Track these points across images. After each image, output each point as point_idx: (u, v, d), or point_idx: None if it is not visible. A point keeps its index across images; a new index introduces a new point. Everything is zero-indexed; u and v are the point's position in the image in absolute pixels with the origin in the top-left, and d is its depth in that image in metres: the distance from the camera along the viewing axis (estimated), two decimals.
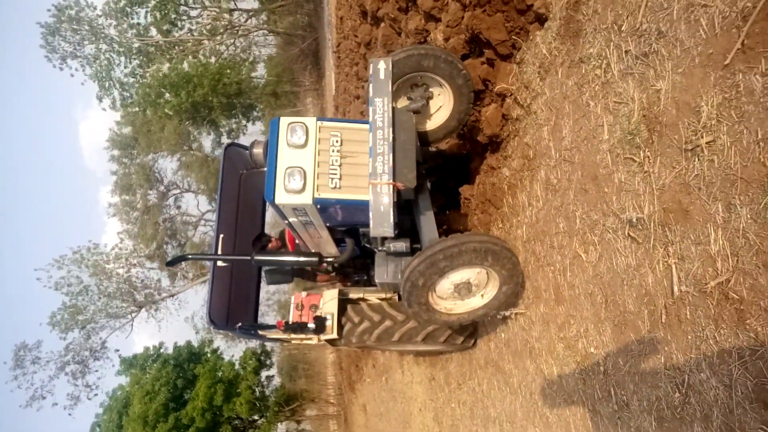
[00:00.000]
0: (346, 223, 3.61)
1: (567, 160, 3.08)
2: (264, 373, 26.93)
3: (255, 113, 31.89)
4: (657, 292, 2.34)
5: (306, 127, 3.22)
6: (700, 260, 2.08)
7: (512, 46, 3.55)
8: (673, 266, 2.21)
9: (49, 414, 25.48)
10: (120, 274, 28.11)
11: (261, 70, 34.79)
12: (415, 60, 3.44)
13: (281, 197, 3.13)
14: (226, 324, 4.79)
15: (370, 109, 3.16)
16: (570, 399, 3.21)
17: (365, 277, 5.18)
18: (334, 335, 4.43)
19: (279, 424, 25.99)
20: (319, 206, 3.19)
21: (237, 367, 25.14)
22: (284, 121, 3.26)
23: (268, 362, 27.82)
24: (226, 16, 30.29)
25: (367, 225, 3.22)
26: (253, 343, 29.16)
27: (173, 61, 28.00)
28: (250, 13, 32.40)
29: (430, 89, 3.72)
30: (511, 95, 3.66)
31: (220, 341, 28.53)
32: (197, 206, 31.55)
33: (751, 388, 1.86)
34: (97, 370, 26.72)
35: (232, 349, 28.66)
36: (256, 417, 25.09)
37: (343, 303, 4.65)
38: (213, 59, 29.99)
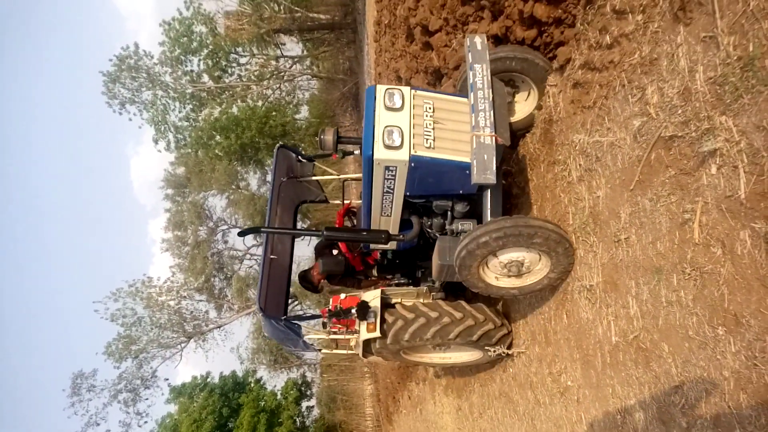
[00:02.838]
0: (427, 191, 3.70)
1: None
2: (304, 404, 27.76)
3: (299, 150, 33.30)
4: (604, 340, 3.22)
5: (402, 93, 3.42)
6: (625, 319, 2.96)
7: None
8: (612, 323, 3.10)
9: None
10: (171, 306, 29.56)
11: (304, 113, 36.41)
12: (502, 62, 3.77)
13: (380, 152, 3.29)
14: (266, 310, 4.86)
15: (470, 73, 3.34)
16: (557, 424, 4.04)
17: (408, 280, 5.36)
18: (377, 333, 4.54)
19: None
20: (413, 164, 3.32)
21: (279, 396, 26.05)
22: (381, 87, 3.46)
23: (308, 393, 28.68)
24: (273, 62, 32.02)
25: (444, 196, 3.64)
26: (294, 372, 30.17)
27: (223, 105, 29.89)
28: (295, 59, 34.25)
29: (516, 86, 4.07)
30: (511, 176, 4.61)
31: (263, 371, 29.62)
32: (243, 241, 32.99)
33: (655, 409, 2.71)
34: (147, 398, 27.70)
35: (275, 380, 29.64)
36: None
37: (384, 306, 4.76)
38: (260, 103, 31.76)
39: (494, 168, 3.12)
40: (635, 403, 2.92)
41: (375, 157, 3.30)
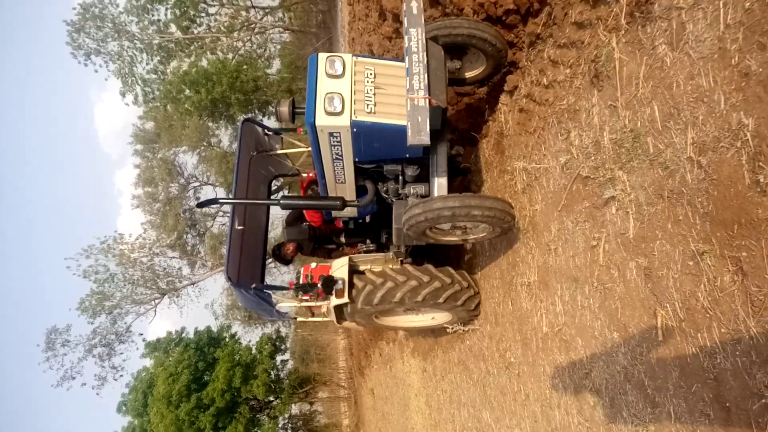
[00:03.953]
0: (375, 156, 3.79)
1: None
2: (279, 357, 28.70)
3: (270, 108, 33.06)
4: (538, 328, 3.86)
5: (343, 60, 3.45)
6: (553, 314, 3.59)
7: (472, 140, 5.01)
8: (543, 315, 3.73)
9: (78, 393, 27.18)
10: (144, 263, 29.77)
11: (276, 66, 35.83)
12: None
13: (321, 119, 3.32)
14: (239, 282, 4.93)
15: (406, 38, 3.38)
16: (503, 392, 4.73)
17: (375, 246, 5.48)
18: (346, 299, 4.67)
19: (293, 405, 27.71)
20: (355, 129, 3.37)
21: (254, 351, 26.87)
22: (322, 55, 3.49)
23: (282, 347, 29.62)
24: (243, 13, 31.26)
25: (393, 160, 3.72)
26: (268, 328, 31.05)
27: (192, 57, 29.30)
28: (267, 10, 33.45)
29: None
30: (470, 173, 5.14)
31: (237, 327, 30.36)
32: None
33: (572, 388, 3.37)
34: (122, 353, 28.24)
35: (249, 335, 30.46)
36: (271, 398, 26.76)
37: (351, 273, 4.85)
38: (230, 56, 31.14)
39: (428, 129, 3.15)
40: (558, 381, 3.58)
41: (317, 123, 3.35)
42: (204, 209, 34.38)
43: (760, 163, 1.84)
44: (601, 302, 2.97)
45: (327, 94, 3.32)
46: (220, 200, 4.55)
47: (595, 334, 3.05)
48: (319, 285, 4.65)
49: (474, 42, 3.68)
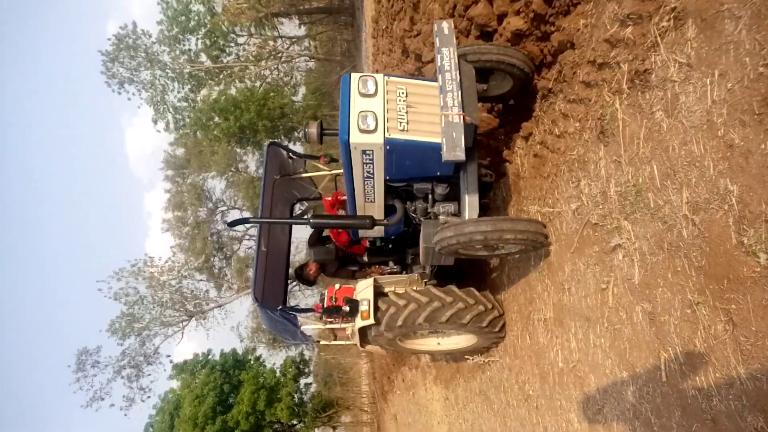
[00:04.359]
0: (406, 174, 3.82)
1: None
2: (302, 381, 28.89)
3: (296, 134, 33.77)
4: (554, 363, 4.03)
5: (375, 80, 3.51)
6: (568, 351, 3.76)
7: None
8: (559, 351, 3.90)
9: (106, 414, 27.68)
10: (173, 285, 30.41)
11: (302, 93, 36.68)
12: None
13: (355, 137, 3.38)
14: (263, 302, 4.94)
15: (438, 57, 3.44)
16: (522, 424, 4.87)
17: (398, 267, 5.47)
18: (371, 320, 4.63)
19: (316, 429, 27.75)
20: (388, 147, 3.41)
21: (278, 374, 27.13)
22: (355, 75, 3.56)
23: (306, 370, 29.81)
24: (271, 43, 32.23)
25: (423, 179, 3.76)
26: (292, 351, 31.29)
27: (221, 85, 30.25)
28: (293, 40, 34.43)
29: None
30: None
31: (262, 349, 30.74)
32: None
33: (586, 423, 3.53)
34: (150, 374, 28.71)
35: (273, 357, 30.75)
36: (295, 422, 26.90)
37: (376, 295, 4.82)
38: (258, 83, 32.04)
39: (463, 145, 3.20)
40: (574, 416, 3.74)
41: (351, 141, 3.39)
42: (232, 231, 35.15)
43: (744, 226, 2.05)
44: (612, 342, 3.14)
45: (360, 112, 3.38)
46: (251, 220, 4.67)
47: (607, 372, 3.22)
48: (344, 308, 4.71)
49: (503, 67, 3.80)
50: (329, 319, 5.10)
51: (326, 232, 5.64)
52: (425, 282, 5.11)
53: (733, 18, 2.07)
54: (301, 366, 28.82)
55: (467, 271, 5.90)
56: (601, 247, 3.19)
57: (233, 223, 4.39)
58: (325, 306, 4.89)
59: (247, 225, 34.51)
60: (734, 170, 2.09)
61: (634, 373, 2.91)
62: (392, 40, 10.58)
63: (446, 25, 3.53)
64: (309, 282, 5.98)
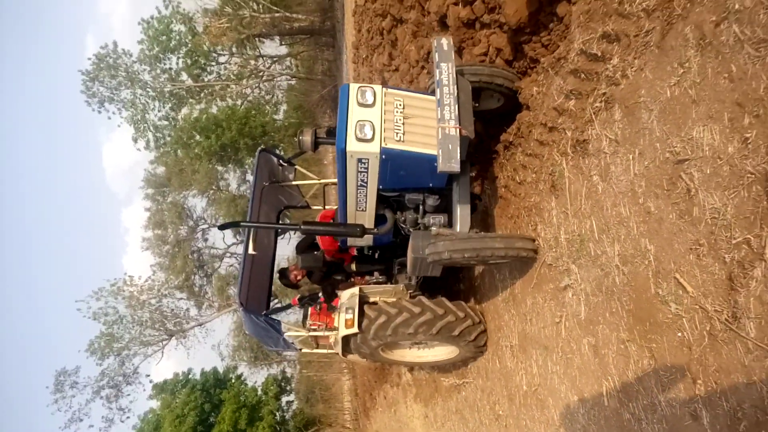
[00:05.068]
0: (399, 184, 3.92)
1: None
2: (284, 398, 28.98)
3: (278, 152, 33.97)
4: (520, 385, 4.43)
5: (374, 90, 3.59)
6: (530, 375, 4.17)
7: None
8: (524, 375, 4.31)
9: None
10: (152, 304, 30.27)
11: (284, 111, 36.99)
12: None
13: (352, 145, 3.44)
14: (248, 306, 4.97)
15: (436, 71, 3.53)
16: None
17: (384, 278, 5.54)
18: (355, 329, 4.71)
19: None
20: (384, 156, 3.48)
21: (259, 392, 27.20)
22: (354, 85, 3.63)
23: (288, 388, 29.87)
24: (252, 62, 32.58)
25: (415, 190, 3.86)
26: (274, 368, 31.29)
27: (203, 104, 30.47)
28: (275, 59, 34.84)
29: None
30: None
31: (243, 368, 30.70)
32: (223, 239, 33.70)
33: None
34: (129, 395, 28.37)
35: (255, 376, 30.73)
36: None
37: (361, 304, 4.90)
38: (239, 102, 32.32)
39: (458, 157, 3.27)
40: None
41: (348, 149, 3.45)
42: (212, 249, 35.14)
43: (660, 279, 2.48)
44: (565, 369, 3.56)
45: (358, 121, 3.45)
46: (242, 223, 4.66)
47: (562, 395, 3.63)
48: (320, 295, 4.75)
49: (493, 87, 3.99)
50: (313, 326, 5.19)
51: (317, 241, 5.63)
52: (410, 293, 5.22)
53: (647, 109, 2.52)
54: (282, 384, 28.92)
55: (450, 284, 6.13)
56: (555, 285, 3.62)
57: (224, 226, 4.45)
58: (303, 296, 4.95)
59: (234, 237, 34.62)
60: (651, 233, 2.53)
61: (583, 398, 3.33)
62: (372, 70, 11.06)
63: (445, 42, 3.65)
64: (292, 285, 6.05)
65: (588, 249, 3.12)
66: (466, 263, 4.10)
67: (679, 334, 2.37)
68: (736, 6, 1.93)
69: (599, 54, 2.84)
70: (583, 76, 3.05)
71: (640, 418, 2.70)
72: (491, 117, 4.58)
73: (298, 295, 5.28)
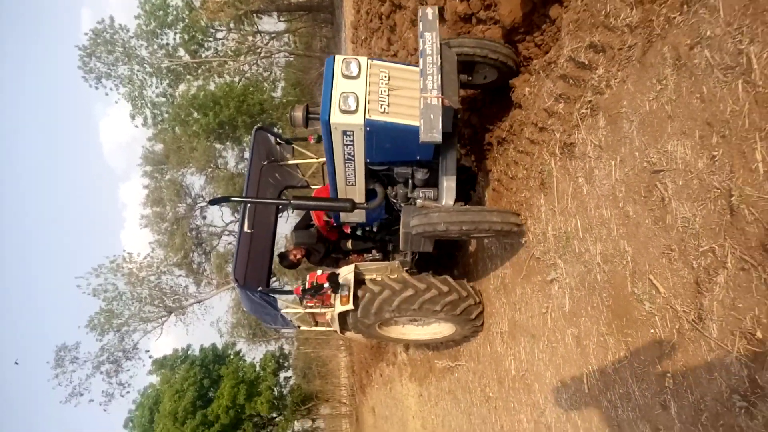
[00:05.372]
0: (386, 157, 3.87)
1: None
2: (282, 374, 29.44)
3: (276, 129, 33.88)
4: (509, 370, 4.65)
5: (359, 62, 3.53)
6: (519, 360, 4.39)
7: None
8: (512, 360, 4.52)
9: (86, 409, 27.80)
10: (151, 281, 30.54)
11: (281, 89, 36.81)
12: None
13: (336, 117, 3.40)
14: (245, 284, 4.96)
15: (420, 41, 3.44)
16: (484, 421, 5.50)
17: (381, 255, 5.57)
18: (351, 306, 4.69)
19: (296, 422, 28.32)
20: (368, 128, 3.43)
21: (258, 368, 27.63)
22: (339, 57, 3.58)
23: (285, 364, 30.33)
24: (250, 38, 32.33)
25: (403, 163, 3.82)
26: (272, 345, 31.75)
27: (200, 80, 30.34)
28: (273, 36, 34.58)
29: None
30: None
31: (242, 344, 31.14)
32: (221, 217, 33.84)
33: (533, 423, 4.16)
34: (129, 370, 28.75)
35: (253, 352, 31.18)
36: (275, 415, 27.43)
37: (357, 281, 4.87)
38: (237, 79, 32.16)
39: (440, 127, 3.21)
40: (523, 416, 4.37)
41: (331, 121, 3.42)
42: (211, 227, 35.30)
43: (636, 279, 2.67)
44: (550, 357, 3.77)
45: (342, 93, 3.40)
46: (232, 198, 4.58)
47: (547, 381, 3.85)
48: (326, 285, 4.72)
49: (486, 61, 3.92)
50: (309, 303, 5.13)
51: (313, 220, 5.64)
52: (406, 270, 5.15)
53: (629, 120, 2.67)
54: (280, 360, 29.34)
55: (446, 260, 6.21)
56: (542, 277, 3.81)
57: (214, 201, 4.45)
58: (306, 287, 4.93)
59: (232, 215, 34.72)
60: (630, 235, 2.71)
61: (565, 384, 3.54)
62: (370, 53, 11.10)
63: (430, 11, 3.56)
64: (291, 265, 6.05)
65: (573, 246, 3.30)
66: (451, 237, 4.04)
67: (652, 331, 2.56)
68: (708, 33, 2.08)
69: (586, 63, 2.98)
70: (571, 81, 3.19)
71: (617, 406, 2.90)
72: (485, 91, 4.54)
73: (301, 286, 5.16)
